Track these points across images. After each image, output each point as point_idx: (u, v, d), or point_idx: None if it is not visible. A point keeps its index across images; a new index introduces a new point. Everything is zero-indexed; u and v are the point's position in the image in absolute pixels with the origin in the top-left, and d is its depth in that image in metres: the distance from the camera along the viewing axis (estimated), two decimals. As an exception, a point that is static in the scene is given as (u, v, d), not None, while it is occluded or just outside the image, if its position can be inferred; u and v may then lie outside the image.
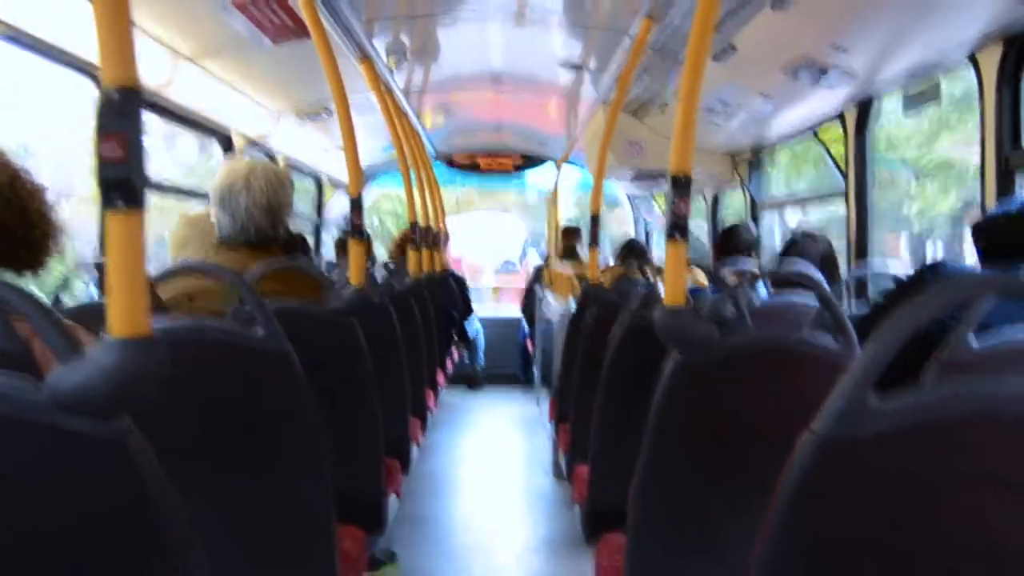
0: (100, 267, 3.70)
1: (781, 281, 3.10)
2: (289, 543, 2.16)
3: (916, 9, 3.00)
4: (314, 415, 2.07)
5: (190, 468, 1.87)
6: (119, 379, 1.05)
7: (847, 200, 4.22)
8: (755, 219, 5.88)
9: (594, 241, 4.11)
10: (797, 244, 3.73)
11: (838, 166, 4.38)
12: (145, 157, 1.09)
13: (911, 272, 2.26)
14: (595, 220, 4.14)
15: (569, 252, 8.13)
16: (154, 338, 1.09)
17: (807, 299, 3.14)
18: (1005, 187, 2.93)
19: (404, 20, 4.48)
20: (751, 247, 4.28)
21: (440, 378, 6.05)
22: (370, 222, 17.53)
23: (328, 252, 7.81)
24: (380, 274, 5.23)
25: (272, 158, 6.07)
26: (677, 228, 1.96)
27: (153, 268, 2.17)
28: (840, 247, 3.93)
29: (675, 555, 2.13)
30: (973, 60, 3.06)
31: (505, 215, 13.28)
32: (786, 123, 4.89)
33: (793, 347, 2.03)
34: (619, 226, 10.75)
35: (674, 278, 1.98)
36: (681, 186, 1.95)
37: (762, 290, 3.67)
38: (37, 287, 1.99)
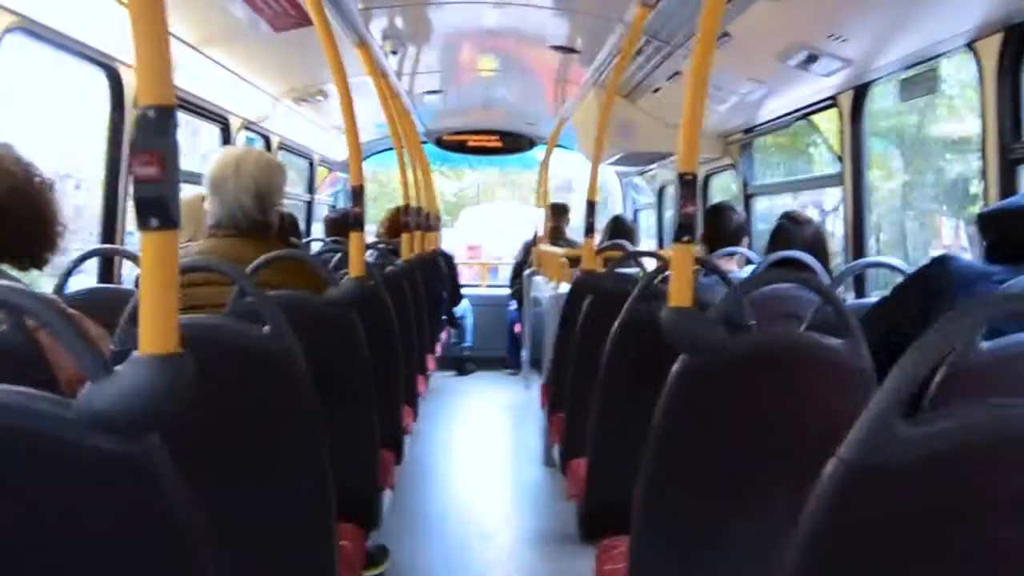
0: (99, 253, 3.66)
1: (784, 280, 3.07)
2: (289, 542, 2.15)
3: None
4: (317, 413, 2.07)
5: (191, 466, 1.85)
6: (150, 398, 1.06)
7: (844, 186, 4.19)
8: (747, 203, 5.86)
9: (590, 228, 4.08)
10: (785, 230, 3.69)
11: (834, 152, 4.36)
12: (179, 176, 1.09)
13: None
14: (591, 206, 4.11)
15: (555, 233, 8.04)
16: (183, 353, 1.10)
17: (802, 287, 3.12)
18: (1007, 178, 2.91)
19: (399, 5, 4.44)
20: (740, 230, 4.22)
21: (430, 363, 6.02)
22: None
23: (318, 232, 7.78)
24: (371, 256, 5.20)
25: (267, 139, 6.06)
26: (685, 228, 1.94)
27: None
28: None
29: (679, 557, 2.12)
30: (973, 49, 3.03)
31: (526, 206, 13.12)
32: (780, 106, 4.87)
33: (800, 347, 2.01)
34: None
35: (682, 278, 1.96)
36: (687, 185, 1.92)
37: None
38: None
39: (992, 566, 1.07)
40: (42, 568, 1.12)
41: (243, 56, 4.57)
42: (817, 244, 3.62)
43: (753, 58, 4.11)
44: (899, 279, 2.89)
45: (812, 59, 3.77)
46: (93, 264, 3.70)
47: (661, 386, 2.00)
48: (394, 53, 5.01)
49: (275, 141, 6.23)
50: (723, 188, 6.79)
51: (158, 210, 1.06)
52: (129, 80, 3.72)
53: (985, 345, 1.89)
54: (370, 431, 2.86)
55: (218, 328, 2.02)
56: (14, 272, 1.86)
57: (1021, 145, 2.93)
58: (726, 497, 2.04)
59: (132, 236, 3.91)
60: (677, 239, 1.95)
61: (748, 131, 5.68)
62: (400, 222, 6.26)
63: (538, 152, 9.33)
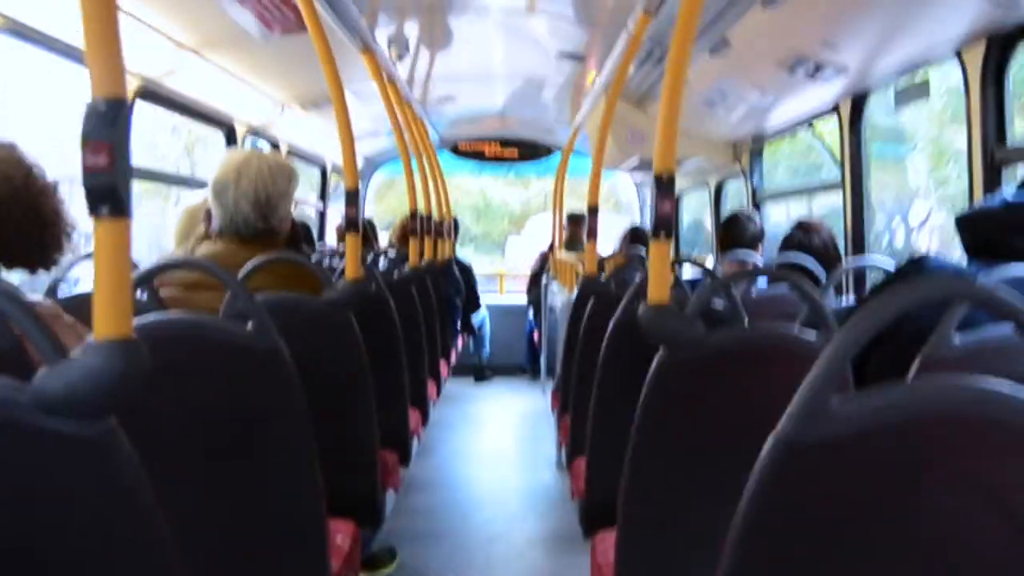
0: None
1: (776, 275, 3.11)
2: (279, 538, 2.16)
3: (903, 6, 3.01)
4: (303, 410, 2.07)
5: (180, 463, 1.90)
6: (103, 381, 1.07)
7: (843, 191, 4.23)
8: (757, 208, 5.88)
9: (592, 233, 4.11)
10: (796, 236, 3.73)
11: (835, 157, 4.38)
12: (130, 166, 1.11)
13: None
14: (592, 212, 4.14)
15: (572, 241, 8.09)
16: (136, 339, 1.12)
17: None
18: (991, 181, 2.95)
19: (405, 11, 4.49)
20: (755, 239, 4.26)
21: (443, 368, 6.05)
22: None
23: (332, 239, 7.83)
24: (382, 262, 5.25)
25: (275, 146, 6.10)
26: (661, 227, 1.98)
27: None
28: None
29: (665, 550, 2.15)
30: (960, 57, 3.07)
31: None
32: (784, 115, 4.89)
33: (778, 341, 2.04)
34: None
35: (658, 275, 2.00)
36: (664, 185, 1.96)
37: (762, 281, 3.68)
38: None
39: (921, 540, 1.11)
40: (3, 548, 1.14)
41: (247, 61, 4.60)
42: (827, 251, 3.65)
43: (754, 66, 4.15)
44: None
45: (811, 67, 3.80)
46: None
47: None
48: (400, 59, 5.05)
49: (284, 147, 6.27)
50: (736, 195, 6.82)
51: (108, 198, 1.08)
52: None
53: (958, 339, 1.91)
54: (369, 431, 2.88)
55: (201, 325, 2.02)
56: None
57: (1004, 149, 2.97)
58: (706, 488, 2.06)
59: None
60: (654, 236, 1.99)
61: (756, 139, 5.71)
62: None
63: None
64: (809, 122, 4.71)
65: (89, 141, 1.08)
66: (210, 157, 5.95)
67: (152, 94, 4.06)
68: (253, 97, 5.24)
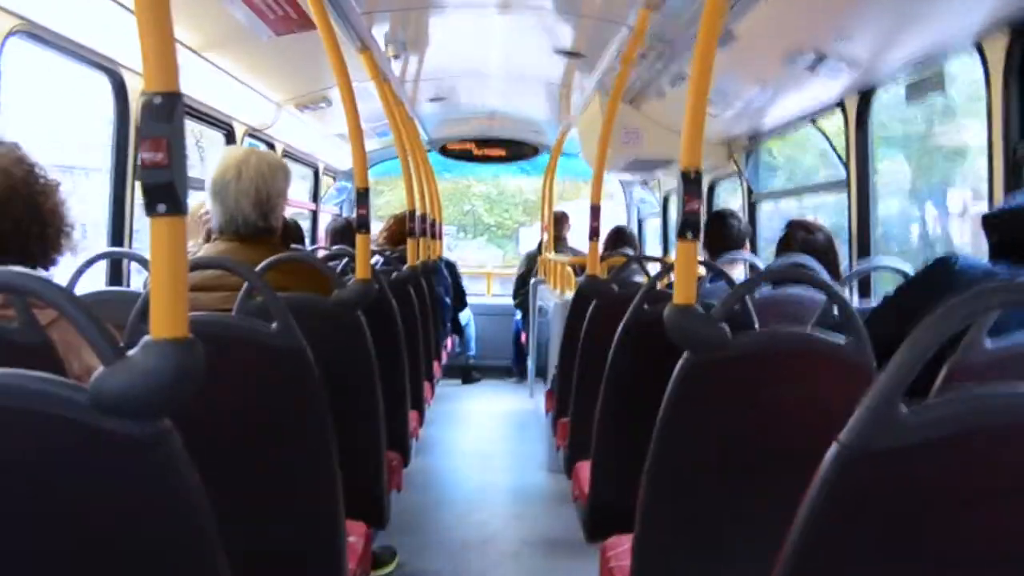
0: (108, 256, 3.67)
1: (784, 278, 3.07)
2: (301, 538, 2.16)
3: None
4: (325, 409, 2.08)
5: (209, 464, 1.86)
6: (161, 381, 1.07)
7: (848, 191, 4.19)
8: (752, 209, 5.85)
9: (594, 233, 4.08)
10: (794, 237, 3.68)
11: (840, 156, 4.34)
12: (186, 161, 1.11)
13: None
14: (595, 211, 4.10)
15: (555, 241, 8.04)
16: (193, 339, 1.11)
17: (808, 291, 3.12)
18: (1014, 179, 2.90)
19: (402, 10, 4.45)
20: (741, 238, 4.22)
21: (436, 370, 6.03)
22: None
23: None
24: (377, 263, 5.22)
25: (272, 147, 6.08)
26: (689, 226, 1.94)
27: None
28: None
29: (683, 554, 2.12)
30: (979, 49, 3.03)
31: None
32: (785, 111, 4.86)
33: (804, 345, 2.01)
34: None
35: (685, 276, 1.96)
36: (691, 182, 1.93)
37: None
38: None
39: (987, 551, 1.08)
40: (57, 549, 1.13)
41: (245, 61, 4.57)
42: (827, 251, 3.63)
43: (758, 60, 4.11)
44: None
45: (818, 61, 3.76)
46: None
47: (663, 387, 2.00)
48: (396, 58, 5.02)
49: (279, 149, 6.24)
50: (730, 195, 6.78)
51: (166, 196, 1.08)
52: (133, 84, 3.73)
53: (989, 343, 1.89)
54: (377, 432, 2.88)
55: (227, 325, 2.04)
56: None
57: None
58: (730, 493, 2.04)
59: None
60: (681, 236, 1.95)
61: (752, 137, 5.68)
62: (399, 230, 6.26)
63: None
64: (812, 119, 4.66)
65: (147, 137, 1.08)
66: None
67: None
68: (252, 98, 5.23)
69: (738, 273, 4.17)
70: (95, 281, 3.60)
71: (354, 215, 3.08)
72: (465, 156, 9.46)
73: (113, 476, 1.11)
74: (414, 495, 5.14)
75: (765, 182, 6.06)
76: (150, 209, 1.08)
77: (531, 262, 8.76)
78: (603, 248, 6.24)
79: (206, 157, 5.68)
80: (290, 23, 3.88)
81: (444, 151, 9.39)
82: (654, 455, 2.04)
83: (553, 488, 5.48)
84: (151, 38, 1.09)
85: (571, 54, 5.29)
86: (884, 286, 4.04)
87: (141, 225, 3.95)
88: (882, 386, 1.06)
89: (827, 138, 4.55)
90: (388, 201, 12.95)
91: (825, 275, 3.46)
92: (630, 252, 5.78)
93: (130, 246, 3.86)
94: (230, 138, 5.26)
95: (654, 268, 4.23)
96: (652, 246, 9.05)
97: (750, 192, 5.90)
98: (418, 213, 5.39)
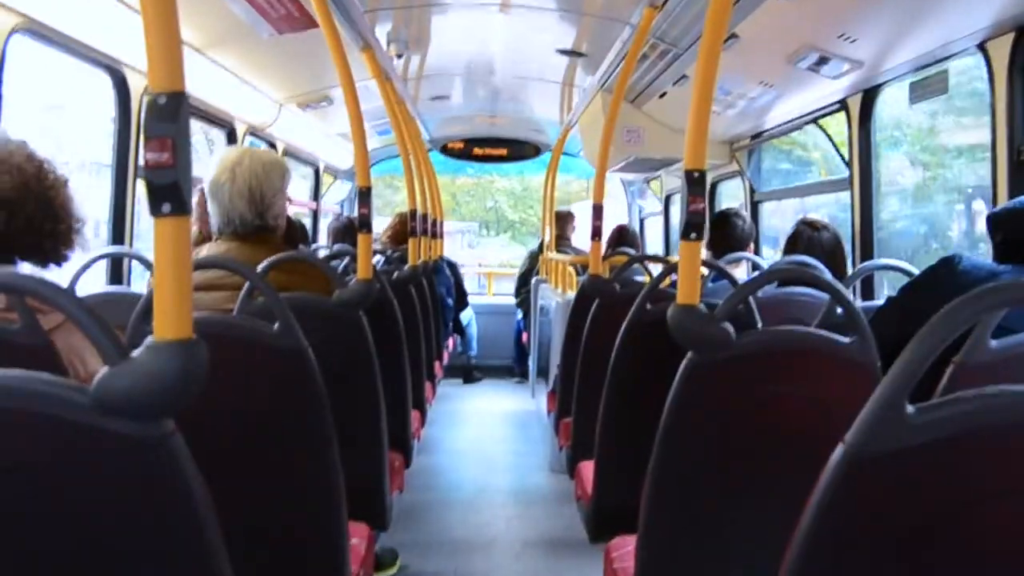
0: (110, 256, 3.68)
1: (786, 278, 3.06)
2: (303, 538, 2.16)
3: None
4: (326, 410, 2.08)
5: (211, 465, 1.85)
6: (165, 382, 1.07)
7: (851, 191, 4.18)
8: (755, 209, 5.84)
9: (596, 232, 4.07)
10: (802, 235, 3.68)
11: (842, 156, 4.33)
12: (191, 161, 1.11)
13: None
14: (598, 210, 4.09)
15: (559, 240, 8.03)
16: (197, 339, 1.11)
17: (812, 291, 3.11)
18: (1017, 179, 2.89)
19: (405, 8, 4.45)
20: (746, 238, 4.21)
21: (438, 370, 6.03)
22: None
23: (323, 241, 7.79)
24: (379, 262, 5.22)
25: (273, 146, 6.08)
26: (692, 226, 1.93)
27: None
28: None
29: (688, 554, 2.12)
30: (983, 50, 3.02)
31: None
32: (786, 112, 4.85)
33: (808, 345, 2.01)
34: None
35: (689, 276, 1.96)
36: (696, 183, 1.92)
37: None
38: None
39: (996, 551, 1.08)
40: (62, 549, 1.13)
41: (247, 59, 4.57)
42: (833, 250, 3.62)
43: (761, 60, 4.11)
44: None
45: (821, 61, 3.76)
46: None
47: (667, 387, 2.00)
48: (399, 57, 5.02)
49: (280, 148, 6.24)
50: (731, 195, 6.77)
51: (170, 196, 1.07)
52: (135, 83, 3.73)
53: (994, 343, 1.88)
54: (379, 432, 2.87)
55: (229, 325, 2.04)
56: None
57: None
58: (733, 493, 2.04)
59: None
60: (685, 236, 1.95)
61: (755, 137, 5.67)
62: (403, 230, 6.26)
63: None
64: (815, 119, 4.65)
65: (152, 138, 1.07)
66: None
67: None
68: (253, 96, 5.23)
69: (741, 273, 4.16)
70: (95, 281, 3.61)
71: (356, 214, 3.06)
72: (465, 156, 9.42)
73: (116, 477, 1.11)
74: (416, 495, 5.14)
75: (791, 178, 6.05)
76: (155, 209, 1.08)
77: (532, 261, 8.75)
78: (605, 248, 6.25)
79: (215, 151, 5.69)
80: (292, 21, 3.87)
81: (445, 150, 9.36)
82: (658, 455, 2.04)
83: (555, 488, 5.48)
84: (157, 38, 1.08)
85: (573, 53, 5.29)
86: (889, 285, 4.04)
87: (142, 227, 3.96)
88: (887, 387, 1.06)
89: (829, 137, 4.54)
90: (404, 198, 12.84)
91: (829, 275, 3.45)
92: (632, 252, 5.77)
93: (131, 245, 3.86)
94: (231, 137, 5.25)
95: (656, 268, 4.22)
96: (654, 246, 9.04)
97: (752, 192, 5.89)
98: (419, 212, 5.39)
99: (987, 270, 2.10)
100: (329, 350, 2.28)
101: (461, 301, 8.37)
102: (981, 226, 5.42)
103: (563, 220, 8.32)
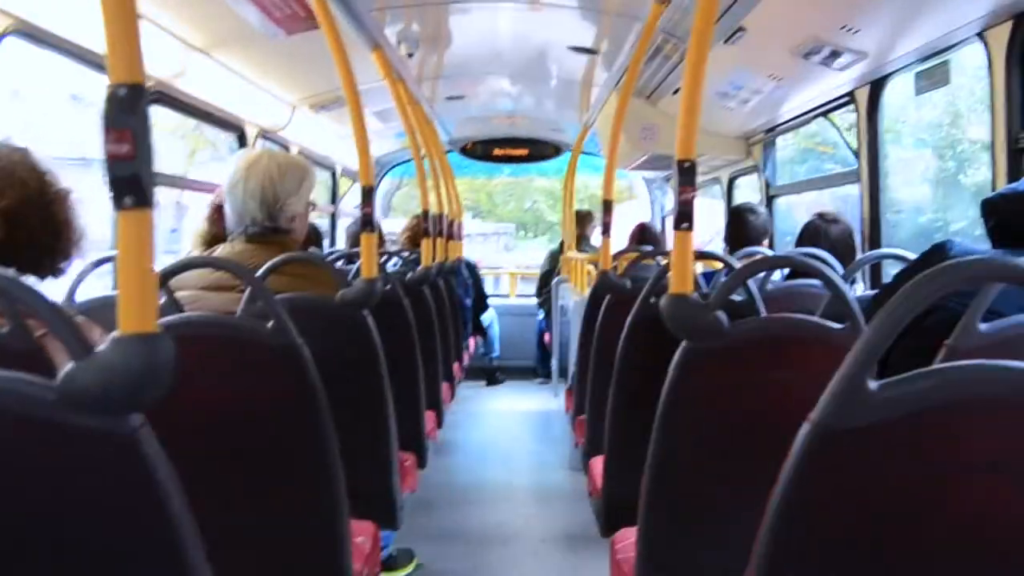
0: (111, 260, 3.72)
1: (776, 265, 3.07)
2: (300, 538, 2.16)
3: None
4: (324, 409, 2.07)
5: (202, 463, 1.88)
6: (129, 375, 1.06)
7: (860, 182, 4.18)
8: (770, 202, 5.83)
9: (606, 228, 4.08)
10: (815, 228, 3.70)
11: (851, 148, 4.33)
12: (153, 154, 1.09)
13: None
14: (608, 206, 4.10)
15: (579, 240, 8.03)
16: (161, 333, 1.10)
17: (820, 282, 3.12)
18: (1015, 167, 2.89)
19: (415, 7, 4.47)
20: (762, 232, 4.22)
21: (457, 371, 6.03)
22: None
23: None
24: (393, 264, 5.23)
25: (287, 149, 6.09)
26: (683, 216, 1.95)
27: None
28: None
29: (685, 543, 2.13)
30: (983, 38, 3.02)
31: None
32: (798, 105, 4.85)
33: (802, 332, 2.02)
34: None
35: (681, 265, 1.97)
36: (686, 172, 1.93)
37: (777, 274, 3.65)
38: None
39: (963, 526, 1.08)
40: (29, 545, 1.13)
41: (256, 62, 4.58)
42: (844, 242, 3.62)
43: (769, 54, 4.10)
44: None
45: (828, 53, 3.76)
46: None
47: None
48: (410, 56, 5.03)
49: (294, 151, 6.25)
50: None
51: (132, 188, 1.06)
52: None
53: (983, 327, 1.88)
54: (386, 432, 2.87)
55: (223, 324, 2.04)
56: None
57: None
58: (730, 481, 2.04)
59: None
60: (676, 227, 1.96)
61: (769, 131, 5.67)
62: (421, 231, 6.29)
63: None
64: (825, 112, 4.65)
65: (111, 129, 1.06)
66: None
67: (164, 97, 4.03)
68: (264, 99, 5.23)
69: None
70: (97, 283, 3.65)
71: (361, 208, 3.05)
72: (485, 156, 9.40)
73: (83, 471, 1.12)
74: (434, 494, 5.16)
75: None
76: (117, 202, 1.07)
77: (553, 261, 8.76)
78: (626, 245, 6.26)
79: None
80: (300, 22, 3.88)
81: (464, 151, 9.35)
82: (655, 445, 2.05)
83: (574, 486, 5.48)
84: (116, 29, 1.07)
85: (587, 51, 5.30)
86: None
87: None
88: (850, 364, 1.07)
89: (838, 130, 4.54)
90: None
91: (838, 266, 3.46)
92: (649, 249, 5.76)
93: None
94: (242, 140, 5.25)
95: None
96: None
97: (767, 186, 5.88)
98: (434, 214, 5.39)
99: (979, 255, 2.10)
100: (335, 349, 2.29)
101: (481, 303, 8.39)
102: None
103: (583, 220, 8.34)
